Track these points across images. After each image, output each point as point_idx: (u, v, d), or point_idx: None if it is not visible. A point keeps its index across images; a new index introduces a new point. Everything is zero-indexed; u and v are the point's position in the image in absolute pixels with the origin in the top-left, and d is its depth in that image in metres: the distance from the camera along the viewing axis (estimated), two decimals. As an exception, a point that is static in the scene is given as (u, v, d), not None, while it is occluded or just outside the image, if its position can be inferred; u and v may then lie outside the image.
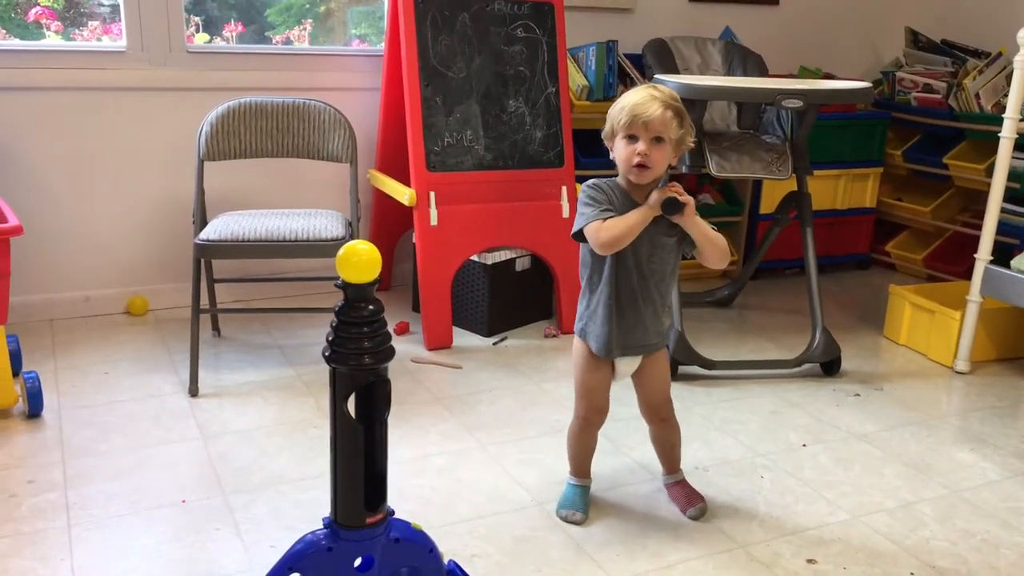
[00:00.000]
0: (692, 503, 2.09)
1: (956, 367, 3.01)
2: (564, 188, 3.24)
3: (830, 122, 3.88)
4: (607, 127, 1.89)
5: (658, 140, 1.81)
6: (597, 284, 1.93)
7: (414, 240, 3.12)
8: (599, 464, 2.28)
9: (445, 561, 1.56)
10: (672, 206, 1.82)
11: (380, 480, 1.46)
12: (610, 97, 3.56)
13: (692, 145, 1.92)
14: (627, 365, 2.00)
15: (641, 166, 1.83)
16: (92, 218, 3.17)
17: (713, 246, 1.88)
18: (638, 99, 1.82)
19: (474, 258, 3.14)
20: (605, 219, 1.83)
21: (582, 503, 2.07)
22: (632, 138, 1.83)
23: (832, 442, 2.48)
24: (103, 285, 3.23)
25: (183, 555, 1.86)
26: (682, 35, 3.58)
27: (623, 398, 2.70)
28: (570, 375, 2.86)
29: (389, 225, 3.49)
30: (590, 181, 1.91)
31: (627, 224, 1.82)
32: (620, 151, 1.85)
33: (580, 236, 1.89)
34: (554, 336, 3.21)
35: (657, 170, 1.84)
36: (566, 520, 2.03)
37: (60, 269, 3.16)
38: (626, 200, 1.88)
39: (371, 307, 1.40)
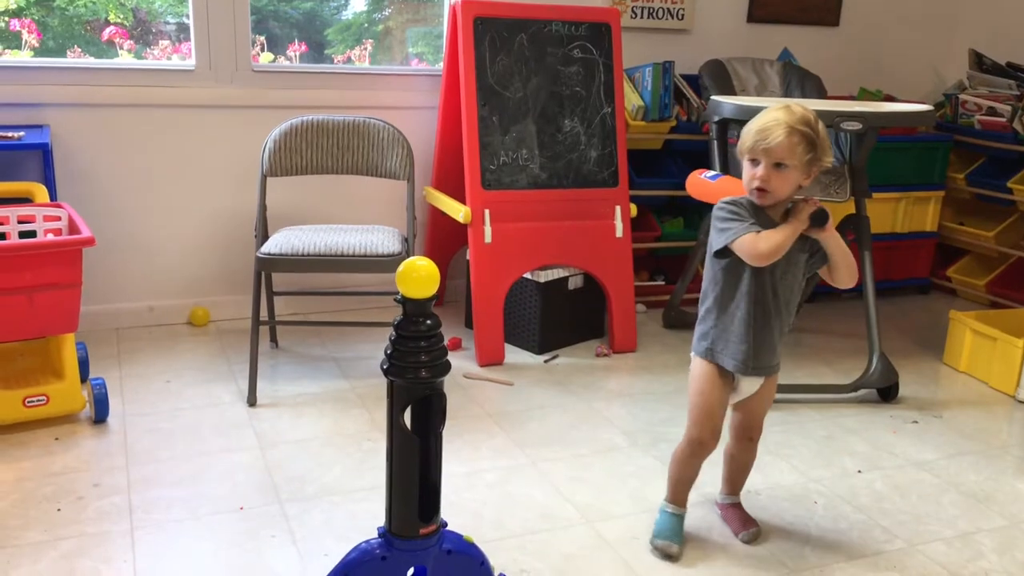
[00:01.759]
0: (746, 527, 2.07)
1: (1018, 396, 2.93)
2: (618, 208, 3.25)
3: (891, 145, 3.83)
4: (739, 143, 1.87)
5: (779, 166, 1.78)
6: (731, 301, 1.89)
7: (468, 257, 3.15)
8: (647, 483, 2.28)
9: (496, 574, 1.57)
10: (820, 218, 1.81)
11: (434, 492, 1.48)
12: (666, 118, 3.57)
13: (829, 165, 1.88)
14: (750, 385, 1.96)
15: (760, 190, 1.81)
16: (157, 231, 3.27)
17: (848, 261, 1.86)
18: (764, 122, 1.80)
19: (527, 276, 3.16)
20: (757, 232, 1.80)
21: (678, 534, 2.01)
22: (755, 161, 1.81)
23: (888, 469, 2.44)
24: (167, 296, 3.33)
25: (241, 561, 1.91)
26: (739, 56, 3.58)
27: (674, 418, 2.70)
28: (621, 394, 2.88)
29: (444, 242, 3.53)
30: (725, 199, 1.88)
31: (783, 236, 1.79)
32: (744, 172, 1.84)
33: (724, 252, 1.86)
34: (606, 355, 3.21)
35: (778, 195, 1.82)
36: (662, 552, 1.98)
37: (126, 280, 3.26)
38: (761, 216, 1.85)
39: (429, 322, 1.43)
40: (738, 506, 2.12)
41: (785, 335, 1.96)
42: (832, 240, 1.84)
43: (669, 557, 1.97)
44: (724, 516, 2.12)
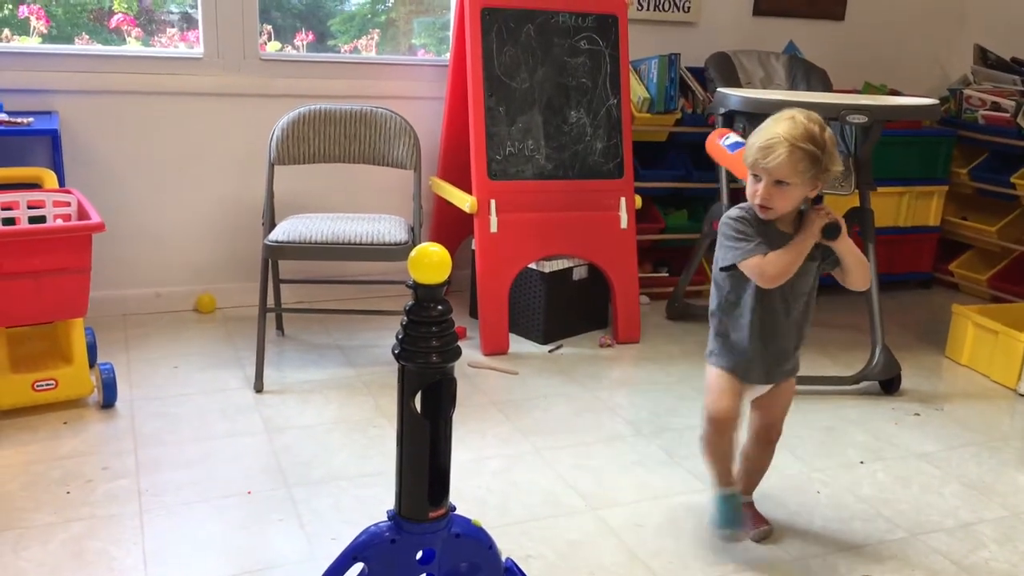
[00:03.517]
0: (757, 525, 2.04)
1: (1020, 389, 2.95)
2: (623, 199, 3.27)
3: (895, 139, 3.84)
4: (744, 154, 1.84)
5: (780, 183, 1.76)
6: (735, 308, 1.89)
7: (473, 247, 3.17)
8: (653, 472, 2.30)
9: (503, 559, 1.59)
10: (833, 231, 1.78)
11: (443, 476, 1.50)
12: (671, 110, 3.58)
13: (839, 173, 1.84)
14: (759, 391, 1.96)
15: (763, 207, 1.81)
16: (165, 218, 3.29)
17: (863, 267, 1.84)
18: (767, 138, 1.76)
19: (532, 266, 3.18)
20: (764, 253, 1.79)
21: (739, 517, 1.97)
22: (757, 177, 1.79)
23: (890, 460, 2.46)
24: (174, 283, 3.35)
25: (249, 543, 1.92)
26: (745, 49, 3.59)
27: (677, 409, 2.72)
28: (626, 385, 2.90)
29: (449, 231, 3.55)
30: (732, 212, 1.86)
31: (790, 258, 1.78)
32: (748, 185, 1.82)
33: (730, 268, 1.85)
34: (609, 346, 3.23)
35: (781, 211, 1.80)
36: (731, 540, 1.98)
37: (133, 266, 3.28)
38: (769, 228, 1.83)
39: (440, 307, 1.44)
40: (750, 505, 2.09)
41: (805, 338, 1.95)
42: (845, 247, 1.82)
43: (736, 540, 1.98)
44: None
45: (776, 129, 1.76)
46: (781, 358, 1.93)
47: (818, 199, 1.90)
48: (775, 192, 1.77)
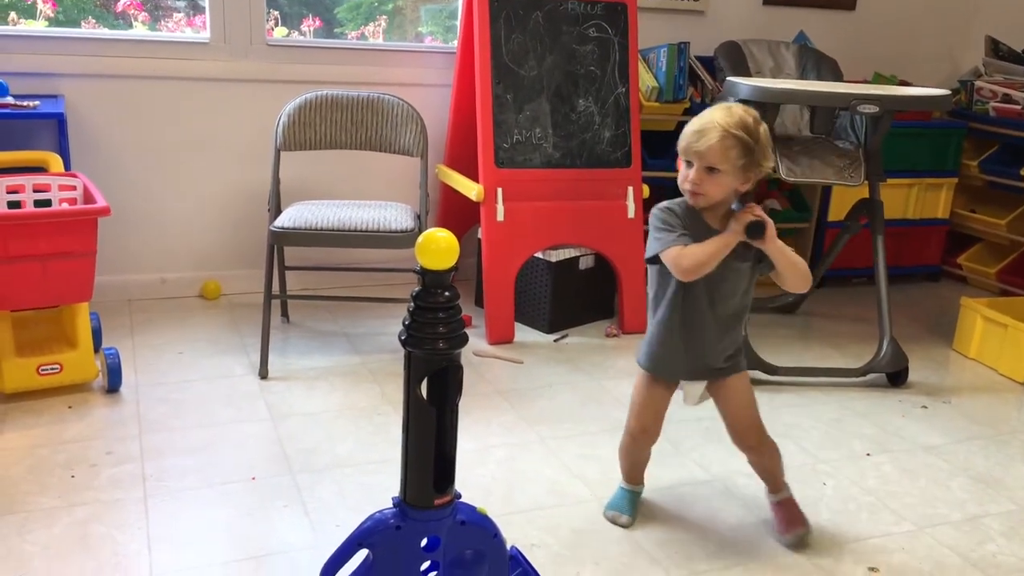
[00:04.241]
0: (792, 528, 1.97)
1: (1028, 383, 2.94)
2: (631, 188, 3.25)
3: (905, 130, 3.81)
4: (678, 141, 1.84)
5: (711, 170, 1.76)
6: (660, 304, 1.90)
7: (479, 235, 3.15)
8: (659, 464, 2.29)
9: (508, 547, 1.58)
10: (756, 230, 1.76)
11: (449, 463, 1.49)
12: (680, 99, 3.55)
13: (769, 170, 1.83)
14: (692, 388, 1.96)
15: (693, 193, 1.80)
16: (171, 203, 3.28)
17: (795, 270, 1.82)
18: (699, 124, 1.77)
19: (538, 255, 3.16)
20: (685, 244, 1.79)
21: (629, 507, 2.05)
22: (689, 163, 1.79)
23: (897, 453, 2.45)
24: (179, 268, 3.34)
25: (253, 530, 1.92)
26: (755, 38, 3.56)
27: (681, 398, 2.70)
28: (631, 373, 2.88)
29: (455, 220, 3.53)
30: (661, 204, 1.87)
31: (709, 251, 1.77)
32: (680, 172, 1.82)
33: (655, 260, 1.85)
34: (615, 336, 3.21)
35: (712, 198, 1.79)
36: (612, 521, 2.03)
37: (139, 251, 3.27)
38: (698, 222, 1.83)
39: (447, 293, 1.43)
40: (785, 503, 2.01)
41: (736, 340, 1.92)
42: (773, 249, 1.79)
43: (621, 526, 2.01)
44: (773, 513, 2.04)
45: (711, 115, 1.77)
46: (705, 357, 1.91)
47: (747, 198, 1.87)
48: (706, 178, 1.77)
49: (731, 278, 1.86)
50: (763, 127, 1.79)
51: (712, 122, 1.75)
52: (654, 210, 1.88)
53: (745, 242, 1.79)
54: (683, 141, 1.79)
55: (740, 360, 1.96)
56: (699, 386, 1.97)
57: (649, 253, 1.86)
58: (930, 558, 1.95)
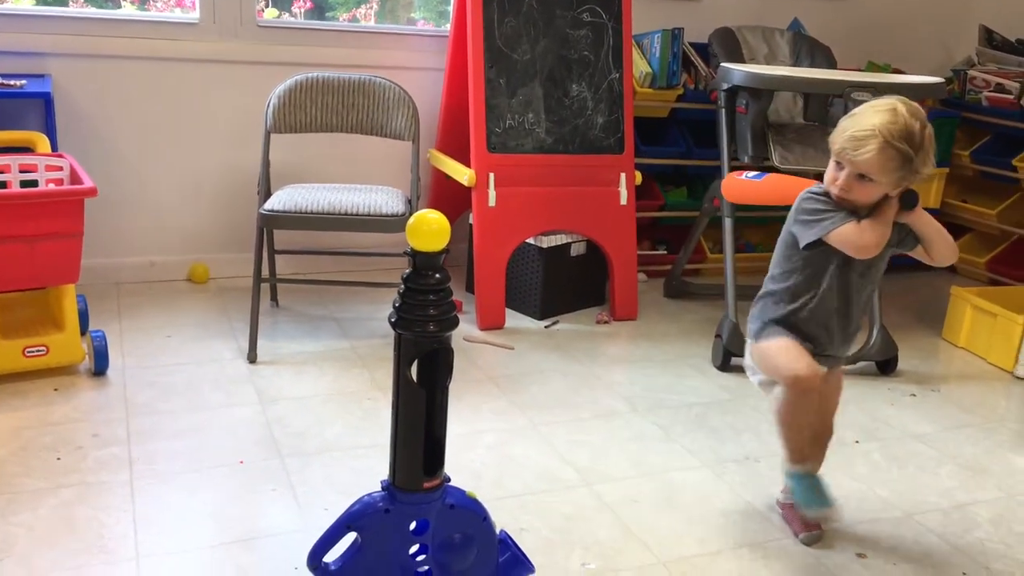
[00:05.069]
0: (808, 527, 1.94)
1: (1016, 372, 2.94)
2: (623, 175, 3.24)
3: (897, 119, 3.80)
4: (832, 135, 1.73)
5: (863, 177, 1.67)
6: (806, 293, 1.79)
7: (471, 221, 3.14)
8: (649, 450, 2.29)
9: (497, 531, 1.58)
10: (910, 200, 1.69)
11: (439, 446, 1.48)
12: (673, 85, 3.54)
13: (927, 176, 1.70)
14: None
15: (839, 198, 1.72)
16: (159, 185, 3.25)
17: (944, 239, 1.73)
18: (861, 128, 1.65)
19: (530, 241, 3.15)
20: (858, 221, 1.70)
21: (822, 494, 1.86)
22: (840, 164, 1.70)
23: (886, 440, 2.45)
24: (167, 252, 3.31)
25: (240, 512, 1.91)
26: (749, 24, 3.54)
27: (674, 386, 2.70)
28: (623, 361, 2.89)
29: (446, 205, 3.50)
30: (812, 188, 1.78)
31: (883, 227, 1.68)
32: (828, 168, 1.73)
33: (816, 244, 1.74)
34: (606, 323, 3.21)
35: (859, 203, 1.71)
36: (825, 520, 1.90)
37: (127, 234, 3.24)
38: (843, 208, 1.74)
39: (438, 275, 1.42)
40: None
41: (859, 328, 1.88)
42: (922, 220, 1.72)
43: (833, 520, 1.91)
44: (784, 515, 2.00)
45: (873, 120, 1.64)
46: (842, 342, 1.86)
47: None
48: (855, 185, 1.68)
49: (877, 264, 1.80)
50: (929, 129, 1.66)
51: (873, 129, 1.63)
52: (805, 195, 1.78)
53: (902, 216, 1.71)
54: (837, 142, 1.69)
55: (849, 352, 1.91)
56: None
57: (812, 236, 1.73)
58: (918, 544, 1.96)
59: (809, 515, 1.90)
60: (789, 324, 1.83)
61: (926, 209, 1.77)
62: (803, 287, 1.81)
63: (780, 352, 1.82)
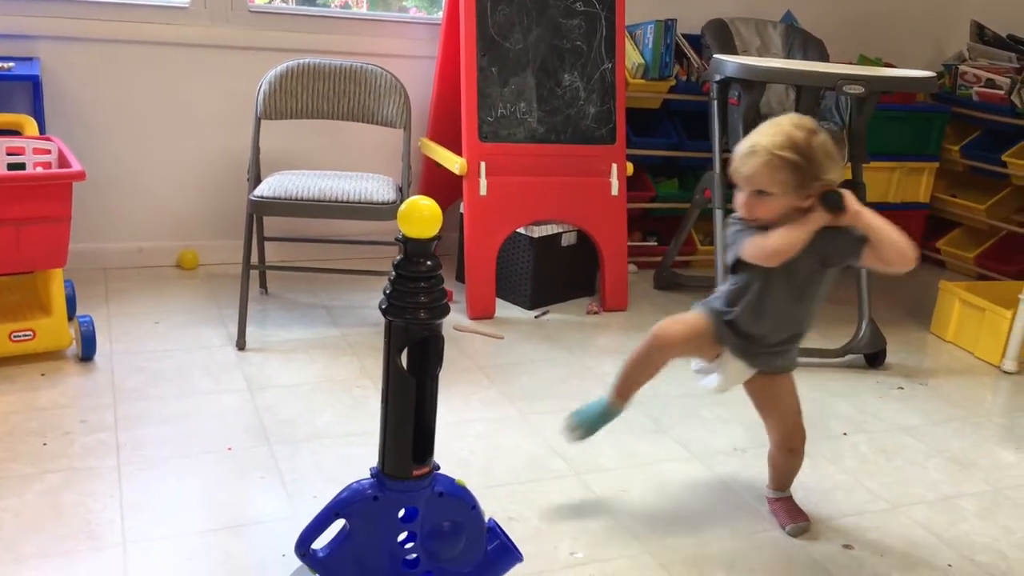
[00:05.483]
0: (794, 519, 1.96)
1: (1003, 367, 2.96)
2: (615, 166, 3.23)
3: (888, 113, 3.81)
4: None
5: (761, 193, 1.69)
6: (743, 295, 1.82)
7: (461, 210, 3.13)
8: (639, 440, 2.30)
9: (486, 519, 1.58)
10: (832, 201, 1.65)
11: (428, 434, 1.48)
12: (666, 76, 3.53)
13: (833, 182, 1.70)
14: (738, 371, 1.89)
15: (745, 219, 1.75)
16: (148, 171, 3.22)
17: (891, 240, 1.65)
18: (748, 145, 1.69)
19: (520, 231, 3.15)
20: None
21: (595, 426, 1.96)
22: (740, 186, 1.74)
23: (874, 433, 2.46)
24: (156, 238, 3.29)
25: (228, 499, 1.90)
26: (742, 16, 3.54)
27: (664, 378, 2.71)
28: (613, 352, 2.89)
29: (437, 194, 3.43)
30: (731, 216, 1.83)
31: (793, 234, 1.68)
32: (735, 195, 1.77)
33: (738, 263, 1.80)
34: (596, 313, 3.21)
35: (767, 220, 1.72)
36: (569, 432, 1.98)
37: (115, 219, 3.22)
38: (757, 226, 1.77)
39: (429, 262, 1.41)
40: (786, 500, 2.00)
41: (798, 345, 1.90)
42: (862, 220, 1.67)
43: (576, 440, 1.99)
44: (771, 508, 2.01)
45: (755, 138, 1.70)
46: (785, 354, 1.88)
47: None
48: (755, 203, 1.71)
49: (816, 277, 1.79)
50: (818, 138, 1.67)
51: (755, 145, 1.68)
52: (730, 219, 1.82)
53: (830, 225, 1.68)
54: (732, 163, 1.73)
55: (795, 359, 1.92)
56: (744, 371, 1.89)
57: (731, 259, 1.80)
58: (904, 536, 1.97)
59: (574, 430, 1.97)
60: (724, 320, 1.86)
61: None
62: (737, 296, 1.83)
63: (682, 316, 1.90)
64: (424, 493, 1.49)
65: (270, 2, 3.42)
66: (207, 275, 3.26)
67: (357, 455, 2.11)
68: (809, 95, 2.95)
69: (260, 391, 2.40)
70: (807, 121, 1.71)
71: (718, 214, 3.00)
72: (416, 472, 1.47)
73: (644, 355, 1.93)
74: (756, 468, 2.19)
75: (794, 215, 1.72)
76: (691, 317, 1.91)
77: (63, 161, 2.45)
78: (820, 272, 1.80)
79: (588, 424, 1.98)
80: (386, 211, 2.63)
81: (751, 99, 2.89)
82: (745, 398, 2.57)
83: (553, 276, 3.24)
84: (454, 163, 3.06)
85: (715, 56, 2.98)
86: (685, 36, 3.65)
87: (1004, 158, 3.77)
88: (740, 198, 1.75)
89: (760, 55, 3.40)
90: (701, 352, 1.92)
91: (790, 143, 1.66)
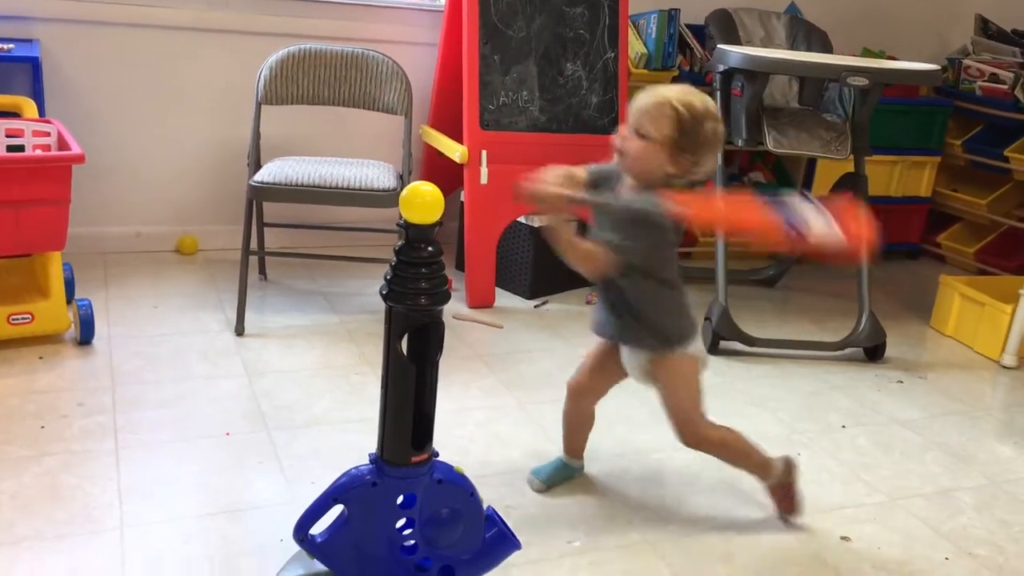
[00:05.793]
0: (783, 508, 1.96)
1: (1003, 361, 2.96)
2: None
3: (890, 107, 3.80)
4: None
5: (640, 135, 1.69)
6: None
7: (462, 198, 3.12)
8: (636, 430, 2.29)
9: (484, 507, 1.57)
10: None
11: (428, 421, 1.48)
12: (668, 67, 3.52)
13: (708, 171, 1.75)
14: (628, 357, 1.91)
15: (617, 149, 1.74)
16: (147, 155, 3.21)
17: (577, 257, 1.79)
18: (651, 92, 1.72)
19: (521, 220, 3.14)
20: (567, 219, 1.79)
21: (551, 478, 2.02)
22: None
23: (872, 426, 2.46)
24: (155, 222, 3.28)
25: (226, 484, 1.90)
26: (746, 7, 3.52)
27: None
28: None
29: (438, 182, 3.39)
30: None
31: (561, 246, 1.79)
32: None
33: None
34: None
35: (632, 162, 1.72)
36: (529, 483, 2.01)
37: (114, 204, 3.21)
38: (608, 185, 1.82)
39: (431, 248, 1.41)
40: (773, 489, 1.96)
41: (643, 320, 1.86)
42: (560, 248, 1.78)
43: (534, 491, 2.00)
44: (770, 497, 1.98)
45: (667, 87, 1.73)
46: (613, 315, 1.90)
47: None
48: (630, 138, 1.71)
49: (625, 280, 1.85)
50: (711, 126, 1.69)
51: (659, 91, 1.71)
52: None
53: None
54: (633, 101, 1.76)
55: (675, 342, 1.86)
56: (631, 356, 1.90)
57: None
58: (901, 529, 1.97)
59: (532, 483, 2.02)
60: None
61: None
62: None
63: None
64: (423, 480, 1.49)
65: (272, -13, 3.39)
66: (206, 260, 3.25)
67: (355, 441, 2.10)
68: (812, 86, 2.94)
69: (258, 377, 2.39)
70: (716, 111, 1.73)
71: (719, 205, 2.98)
72: (415, 459, 1.47)
73: (565, 409, 2.04)
74: (754, 459, 2.19)
75: (651, 178, 1.72)
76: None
77: (63, 144, 2.44)
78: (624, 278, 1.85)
79: (546, 479, 2.02)
80: (386, 198, 2.62)
81: (754, 90, 2.87)
82: (743, 391, 2.58)
83: (553, 266, 3.20)
84: (455, 151, 3.05)
85: (719, 46, 2.96)
86: (688, 26, 3.63)
87: (1006, 153, 3.76)
88: (620, 130, 1.75)
89: (764, 46, 3.38)
90: (605, 350, 1.99)
91: (688, 104, 1.68)
